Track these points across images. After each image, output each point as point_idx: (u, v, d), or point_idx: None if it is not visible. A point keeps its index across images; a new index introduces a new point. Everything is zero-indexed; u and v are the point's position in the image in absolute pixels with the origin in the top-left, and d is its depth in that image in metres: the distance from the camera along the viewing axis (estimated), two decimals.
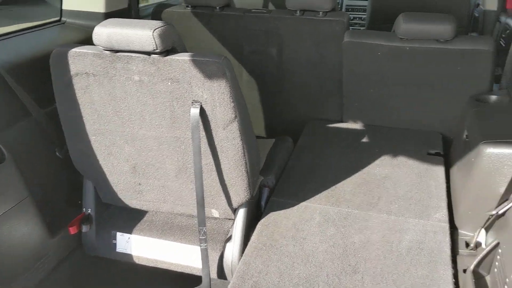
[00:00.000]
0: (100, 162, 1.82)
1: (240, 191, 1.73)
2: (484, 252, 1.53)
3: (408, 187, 2.05)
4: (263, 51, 2.56)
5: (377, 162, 2.25)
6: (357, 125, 2.58)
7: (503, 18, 3.07)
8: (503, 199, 1.65)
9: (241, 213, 1.82)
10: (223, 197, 1.76)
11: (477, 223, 1.78)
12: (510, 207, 1.54)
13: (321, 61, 2.50)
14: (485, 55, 2.17)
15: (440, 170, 2.16)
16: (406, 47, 2.25)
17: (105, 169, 1.84)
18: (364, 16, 4.15)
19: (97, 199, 1.99)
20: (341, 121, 2.63)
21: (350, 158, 2.28)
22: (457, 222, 1.87)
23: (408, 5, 2.88)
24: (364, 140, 2.46)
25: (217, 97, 1.55)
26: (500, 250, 1.53)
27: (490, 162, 1.68)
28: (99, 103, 1.67)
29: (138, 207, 1.96)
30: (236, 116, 1.58)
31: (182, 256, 1.88)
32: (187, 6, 2.61)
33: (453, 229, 1.83)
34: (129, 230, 1.96)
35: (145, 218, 2.01)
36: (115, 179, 1.87)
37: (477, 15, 3.45)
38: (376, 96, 2.48)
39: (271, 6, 3.84)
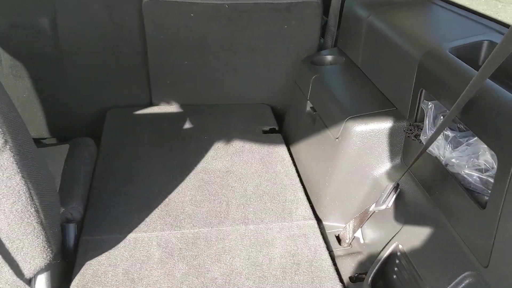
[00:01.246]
0: None
1: (33, 254, 1.07)
2: (383, 258, 1.23)
3: (256, 180, 1.65)
4: (29, 24, 1.80)
5: (211, 153, 1.79)
6: (172, 108, 2.06)
7: None
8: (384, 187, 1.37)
9: (41, 282, 1.16)
10: (6, 268, 1.08)
11: (347, 213, 1.49)
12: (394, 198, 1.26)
13: (115, 31, 1.87)
14: (314, 7, 1.85)
15: (283, 151, 1.82)
16: (225, 4, 1.79)
17: None
18: None
19: None
20: (151, 105, 2.08)
21: (174, 153, 1.77)
22: (320, 213, 1.56)
23: None
24: (186, 125, 1.96)
25: None
26: (399, 253, 1.23)
27: (362, 142, 1.38)
28: None
29: None
30: (6, 142, 0.92)
31: None
32: None
33: (318, 222, 1.51)
34: None
35: None
36: None
37: None
38: (192, 69, 1.99)
39: None
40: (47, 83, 1.95)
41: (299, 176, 1.70)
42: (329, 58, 1.88)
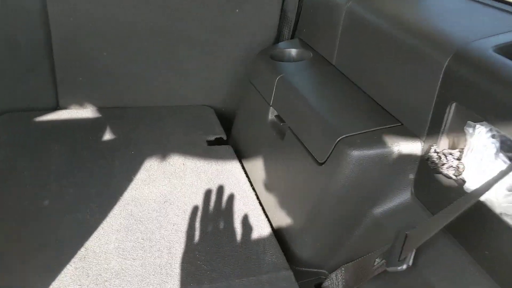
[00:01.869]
0: None
1: None
2: None
3: (211, 217, 1.24)
4: None
5: (141, 175, 1.35)
6: (86, 112, 1.59)
7: None
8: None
9: None
10: None
11: (333, 259, 1.13)
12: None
13: (9, 14, 1.36)
14: None
15: (237, 170, 1.43)
16: None
17: None
18: None
19: None
20: (57, 108, 1.58)
21: (91, 177, 1.31)
22: (295, 257, 1.19)
23: None
24: (106, 136, 1.50)
25: None
26: None
27: (359, 169, 1.02)
28: None
29: None
30: None
31: None
32: None
33: (292, 268, 1.14)
34: None
35: None
36: None
37: None
38: (113, 63, 1.52)
39: None
40: None
41: (261, 205, 1.31)
42: (292, 52, 1.50)
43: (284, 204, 1.24)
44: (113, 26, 1.43)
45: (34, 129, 1.49)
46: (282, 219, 1.23)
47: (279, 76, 1.33)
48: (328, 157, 1.05)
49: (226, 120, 1.70)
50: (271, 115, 1.35)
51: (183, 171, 1.39)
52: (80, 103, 1.59)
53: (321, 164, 1.08)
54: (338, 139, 1.03)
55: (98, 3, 1.38)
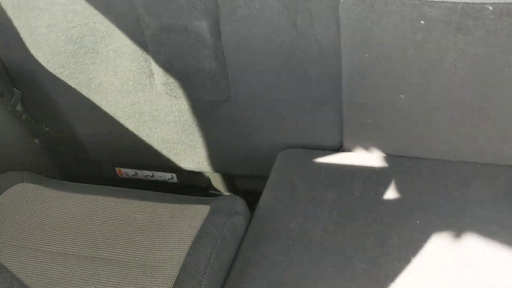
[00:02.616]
0: None
1: None
2: None
3: None
4: (183, 27, 1.30)
5: (423, 257, 1.03)
6: (369, 159, 1.35)
7: None
8: None
9: None
10: None
11: None
12: None
13: (299, 42, 1.24)
14: None
15: None
16: (488, 5, 0.98)
17: None
18: None
19: None
20: (341, 150, 1.40)
21: (353, 239, 1.07)
22: None
23: None
24: (386, 192, 1.23)
25: None
26: None
27: None
28: None
29: None
30: None
31: None
32: None
33: None
34: None
35: None
36: None
37: None
38: (409, 105, 1.24)
39: None
40: (203, 107, 1.45)
41: None
42: None
43: None
44: (414, 63, 1.14)
45: (312, 169, 1.35)
46: None
47: None
48: None
49: None
50: None
51: (482, 262, 1.00)
52: (366, 147, 1.37)
53: None
54: None
55: (390, 42, 1.12)
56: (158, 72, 1.39)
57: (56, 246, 1.15)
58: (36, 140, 1.74)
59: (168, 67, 1.38)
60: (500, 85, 1.12)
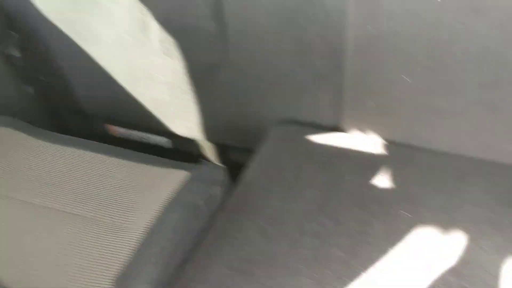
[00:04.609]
0: None
1: None
2: None
3: None
4: None
5: (404, 250, 0.96)
6: (366, 142, 1.27)
7: None
8: None
9: None
10: None
11: None
12: None
13: (304, 7, 1.15)
14: None
15: None
16: None
17: None
18: None
19: None
20: (337, 129, 1.32)
21: (332, 222, 1.01)
22: None
23: None
24: (378, 179, 1.16)
25: None
26: None
27: None
28: None
29: None
30: None
31: None
32: None
33: None
34: None
35: None
36: None
37: None
38: (411, 89, 1.15)
39: None
40: (202, 74, 1.38)
41: None
42: None
43: None
44: (423, 44, 1.05)
45: (303, 147, 1.28)
46: None
47: None
48: None
49: None
50: None
51: (465, 263, 0.93)
52: (363, 130, 1.29)
53: None
54: None
55: (408, 12, 1.03)
56: (154, 28, 1.32)
57: (24, 195, 1.10)
58: (30, 88, 1.69)
59: (165, 24, 1.31)
60: None
